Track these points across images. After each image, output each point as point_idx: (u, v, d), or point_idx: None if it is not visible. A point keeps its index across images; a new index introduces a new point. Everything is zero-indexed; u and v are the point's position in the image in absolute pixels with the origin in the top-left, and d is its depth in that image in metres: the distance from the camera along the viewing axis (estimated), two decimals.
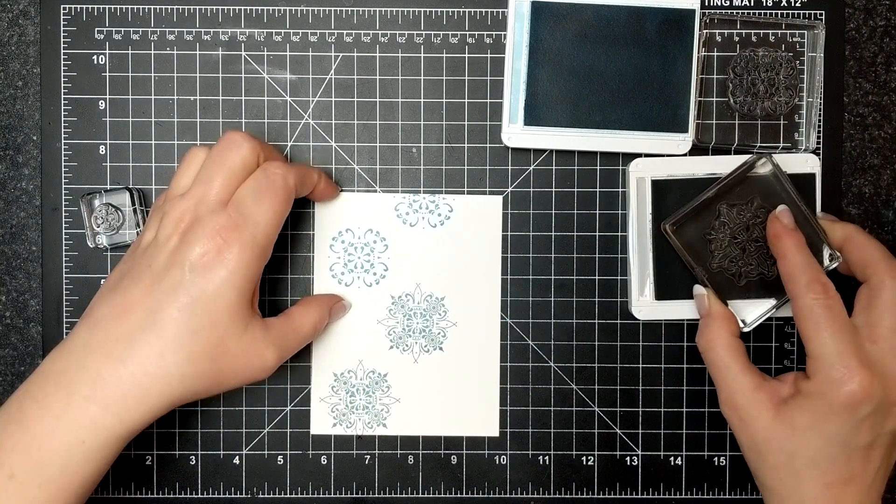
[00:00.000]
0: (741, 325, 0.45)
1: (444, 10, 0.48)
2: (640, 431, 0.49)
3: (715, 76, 0.48)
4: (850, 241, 0.44)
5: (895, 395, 0.40)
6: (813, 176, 0.47)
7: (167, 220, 0.40)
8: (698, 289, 0.46)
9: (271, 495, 0.49)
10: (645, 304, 0.47)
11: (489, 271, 0.48)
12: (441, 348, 0.48)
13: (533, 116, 0.47)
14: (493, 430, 0.49)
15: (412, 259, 0.48)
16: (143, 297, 0.39)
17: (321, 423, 0.48)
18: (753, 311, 0.46)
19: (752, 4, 0.48)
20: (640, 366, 0.49)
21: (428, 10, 0.48)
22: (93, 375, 0.38)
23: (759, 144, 0.48)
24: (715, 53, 0.48)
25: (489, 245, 0.48)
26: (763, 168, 0.45)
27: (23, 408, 0.38)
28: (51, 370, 0.39)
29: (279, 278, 0.48)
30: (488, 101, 0.48)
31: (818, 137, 0.48)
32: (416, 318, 0.48)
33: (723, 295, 0.45)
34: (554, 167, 0.48)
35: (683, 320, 0.48)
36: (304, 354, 0.48)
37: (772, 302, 0.46)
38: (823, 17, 0.48)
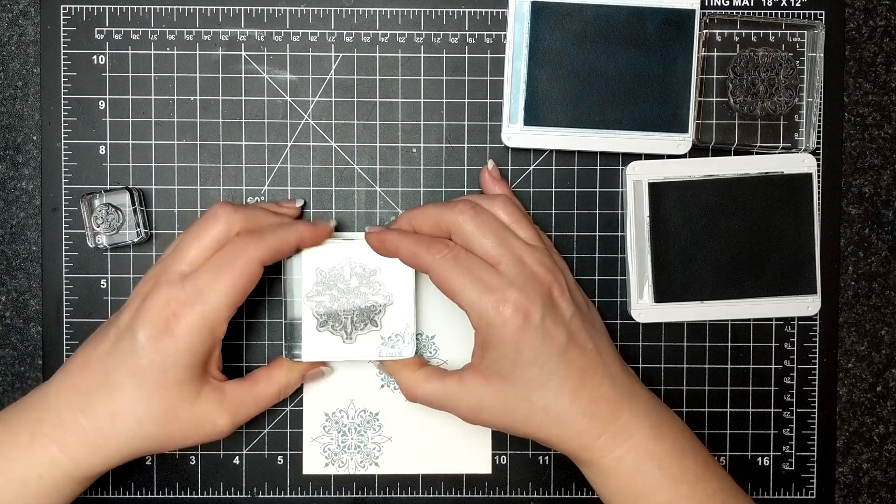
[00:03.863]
0: (411, 354, 0.45)
1: (444, 10, 0.48)
2: None
3: (715, 76, 0.48)
4: (412, 219, 0.43)
5: (546, 290, 0.41)
6: (809, 176, 0.47)
7: (138, 284, 0.43)
8: (377, 364, 0.47)
9: (271, 495, 0.49)
10: (644, 307, 0.47)
11: None
12: None
13: (533, 116, 0.47)
14: (485, 467, 0.49)
15: (404, 300, 0.46)
16: (103, 356, 0.41)
17: (313, 463, 0.48)
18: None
19: (752, 4, 0.48)
20: (640, 366, 0.49)
21: (428, 10, 0.48)
22: (56, 418, 0.41)
23: (758, 144, 0.48)
24: (715, 53, 0.48)
25: None
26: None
27: None
28: (27, 405, 0.42)
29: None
30: (488, 101, 0.48)
31: (818, 137, 0.48)
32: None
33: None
34: (554, 167, 0.48)
35: (683, 322, 0.48)
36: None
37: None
38: (823, 17, 0.48)
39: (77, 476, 0.41)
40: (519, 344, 0.40)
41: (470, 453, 0.49)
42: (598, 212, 0.48)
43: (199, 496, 0.48)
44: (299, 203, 0.47)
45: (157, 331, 0.40)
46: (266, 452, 0.49)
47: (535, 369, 0.40)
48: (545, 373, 0.40)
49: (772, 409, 0.49)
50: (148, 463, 0.48)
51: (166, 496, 0.48)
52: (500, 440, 0.49)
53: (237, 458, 0.49)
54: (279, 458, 0.49)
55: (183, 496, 0.48)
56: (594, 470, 0.42)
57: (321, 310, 0.45)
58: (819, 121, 0.48)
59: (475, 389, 0.42)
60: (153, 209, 0.48)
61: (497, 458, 0.49)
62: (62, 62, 0.48)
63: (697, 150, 0.48)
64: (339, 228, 0.48)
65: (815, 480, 0.49)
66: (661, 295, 0.47)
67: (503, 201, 0.44)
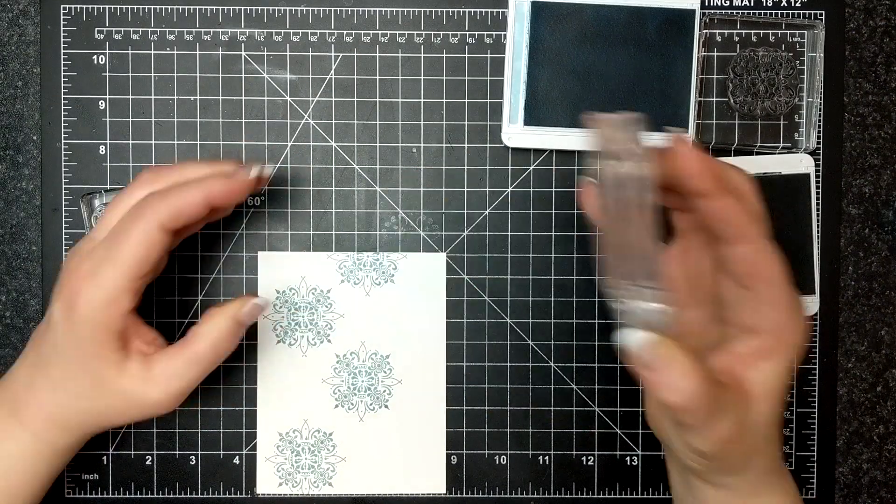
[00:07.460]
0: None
1: (444, 10, 0.48)
2: (640, 431, 0.49)
3: (715, 76, 0.48)
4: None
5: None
6: (808, 176, 0.47)
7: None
8: (631, 335, 0.33)
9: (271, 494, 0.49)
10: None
11: (434, 327, 0.48)
12: (387, 406, 0.48)
13: (533, 116, 0.47)
14: (439, 487, 0.48)
15: (357, 317, 0.48)
16: (40, 332, 0.41)
17: (267, 482, 0.48)
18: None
19: (752, 4, 0.48)
20: None
21: (428, 10, 0.48)
22: (13, 394, 0.41)
23: (759, 144, 0.48)
24: (715, 53, 0.48)
25: (433, 302, 0.48)
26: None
27: None
28: None
29: None
30: (488, 101, 0.48)
31: (818, 137, 0.48)
32: (362, 376, 0.48)
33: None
34: (554, 167, 0.48)
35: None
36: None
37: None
38: (823, 17, 0.48)
39: (43, 451, 0.40)
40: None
41: (424, 472, 0.48)
42: None
43: (199, 496, 0.48)
44: (253, 172, 0.40)
45: (65, 305, 0.38)
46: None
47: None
48: None
49: None
50: (148, 463, 0.48)
51: (166, 496, 0.48)
52: (499, 440, 0.49)
53: (237, 458, 0.49)
54: None
55: (183, 496, 0.48)
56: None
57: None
58: (819, 121, 0.48)
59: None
60: None
61: (497, 458, 0.49)
62: (62, 62, 0.48)
63: None
64: (338, 228, 0.48)
65: (815, 480, 0.49)
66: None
67: None
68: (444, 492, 0.48)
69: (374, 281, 0.48)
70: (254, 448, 0.49)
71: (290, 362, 0.48)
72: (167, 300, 0.48)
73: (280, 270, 0.48)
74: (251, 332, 0.48)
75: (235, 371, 0.48)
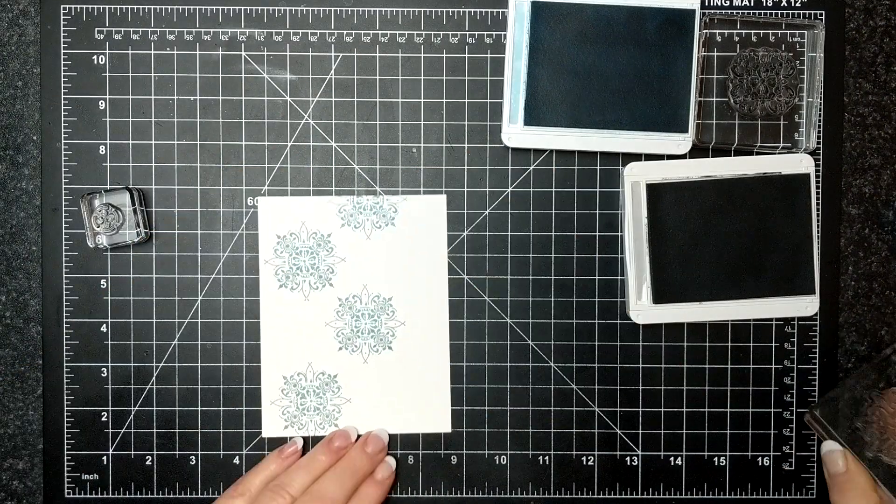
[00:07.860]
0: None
1: (444, 10, 0.48)
2: (640, 431, 0.49)
3: (715, 76, 0.48)
4: None
5: None
6: (808, 176, 0.47)
7: None
8: (829, 445, 0.46)
9: None
10: (643, 308, 0.47)
11: (435, 269, 0.48)
12: (390, 348, 0.48)
13: (533, 116, 0.47)
14: (445, 426, 0.49)
15: (358, 261, 0.48)
16: None
17: (273, 426, 0.48)
18: None
19: (752, 4, 0.48)
20: (640, 366, 0.49)
21: (428, 10, 0.48)
22: None
23: (759, 144, 0.48)
24: (715, 53, 0.48)
25: (434, 243, 0.48)
26: None
27: None
28: None
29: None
30: (488, 101, 0.48)
31: (818, 137, 0.48)
32: (365, 318, 0.48)
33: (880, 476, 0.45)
34: (554, 167, 0.48)
35: (682, 322, 0.48)
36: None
37: None
38: (823, 17, 0.48)
39: None
40: None
41: (430, 412, 0.49)
42: (598, 212, 0.48)
43: (199, 496, 0.48)
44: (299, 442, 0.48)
45: None
46: (265, 452, 0.49)
47: None
48: None
49: (772, 409, 0.49)
50: (148, 463, 0.48)
51: (166, 496, 0.48)
52: (499, 440, 0.49)
53: (237, 458, 0.49)
54: None
55: (183, 496, 0.48)
56: None
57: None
58: (819, 121, 0.48)
59: None
60: (153, 209, 0.48)
61: (497, 458, 0.49)
62: (62, 62, 0.48)
63: (698, 150, 0.48)
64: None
65: (815, 480, 0.49)
66: (660, 296, 0.47)
67: None
68: (450, 429, 0.49)
69: (375, 224, 0.48)
70: (254, 448, 0.49)
71: (293, 307, 0.48)
72: (167, 300, 0.48)
73: (280, 216, 0.48)
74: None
75: (236, 369, 0.48)
